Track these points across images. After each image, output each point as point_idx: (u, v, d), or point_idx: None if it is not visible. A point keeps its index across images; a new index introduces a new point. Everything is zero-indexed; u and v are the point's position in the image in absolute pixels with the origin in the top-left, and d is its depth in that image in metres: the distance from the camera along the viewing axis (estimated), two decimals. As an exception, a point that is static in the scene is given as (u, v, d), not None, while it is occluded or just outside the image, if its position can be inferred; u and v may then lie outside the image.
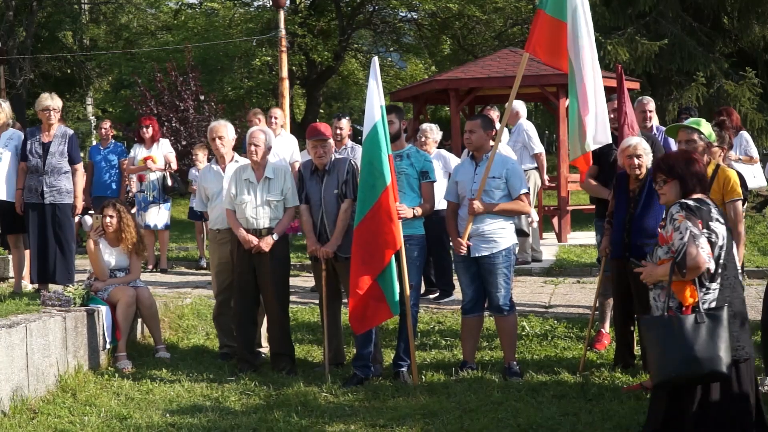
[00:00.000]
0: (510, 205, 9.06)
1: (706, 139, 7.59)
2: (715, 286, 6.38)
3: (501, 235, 9.01)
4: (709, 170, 7.55)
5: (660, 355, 6.36)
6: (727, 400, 6.35)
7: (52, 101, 11.10)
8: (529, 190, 9.37)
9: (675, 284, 6.32)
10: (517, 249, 9.34)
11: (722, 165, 7.78)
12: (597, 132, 9.42)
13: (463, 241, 8.97)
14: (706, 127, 7.66)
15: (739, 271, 6.75)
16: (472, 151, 9.22)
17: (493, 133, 9.33)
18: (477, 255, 9.00)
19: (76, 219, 11.92)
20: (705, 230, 6.31)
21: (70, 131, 11.26)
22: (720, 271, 6.38)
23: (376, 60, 9.20)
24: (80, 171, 11.25)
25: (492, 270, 9.01)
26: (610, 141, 9.43)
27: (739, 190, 7.56)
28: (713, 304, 6.33)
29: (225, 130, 10.22)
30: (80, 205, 11.31)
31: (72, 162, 11.06)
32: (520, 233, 9.54)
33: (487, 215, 8.96)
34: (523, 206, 9.18)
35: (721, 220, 6.43)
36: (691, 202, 6.41)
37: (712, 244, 6.30)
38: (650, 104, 11.41)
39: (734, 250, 6.51)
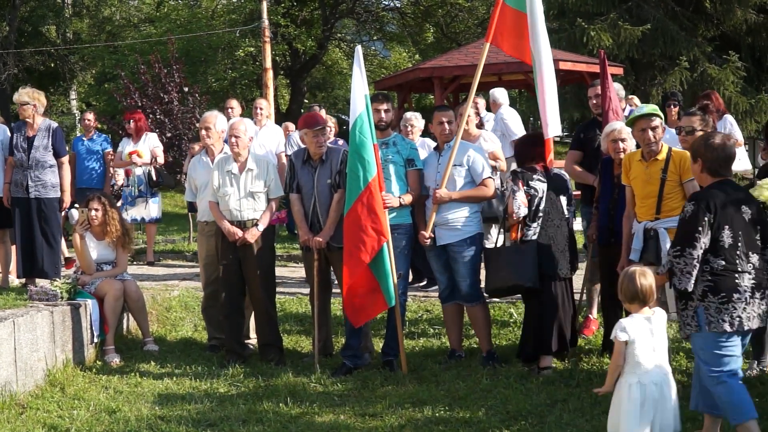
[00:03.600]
0: (473, 192, 9.08)
1: (663, 124, 7.84)
2: (535, 225, 8.72)
3: (465, 223, 9.05)
4: (663, 153, 7.74)
5: (488, 273, 9.02)
6: (548, 309, 8.77)
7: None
8: (492, 174, 9.36)
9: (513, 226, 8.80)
10: (483, 237, 9.35)
11: (674, 148, 7.90)
12: (551, 121, 9.52)
13: (426, 233, 9.00)
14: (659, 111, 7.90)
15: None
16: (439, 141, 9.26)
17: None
18: (442, 243, 9.04)
19: (63, 213, 11.86)
20: (525, 187, 8.68)
21: (55, 124, 11.14)
22: (541, 215, 8.73)
23: (359, 49, 9.20)
24: (66, 164, 11.16)
25: (456, 258, 9.04)
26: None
27: None
28: (534, 237, 8.69)
29: (213, 121, 10.18)
30: (67, 198, 11.23)
31: (57, 155, 10.97)
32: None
33: (452, 203, 8.99)
34: (486, 191, 9.16)
35: (543, 180, 8.79)
36: (519, 169, 8.96)
37: (531, 197, 8.67)
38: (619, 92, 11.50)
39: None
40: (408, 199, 9.15)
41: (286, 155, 13.53)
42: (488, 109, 15.00)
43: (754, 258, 6.47)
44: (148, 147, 14.82)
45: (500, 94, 14.81)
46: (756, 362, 8.32)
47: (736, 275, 6.38)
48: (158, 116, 20.55)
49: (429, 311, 11.37)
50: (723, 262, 6.39)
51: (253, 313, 9.93)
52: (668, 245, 7.37)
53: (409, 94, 20.16)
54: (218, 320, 10.01)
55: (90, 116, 15.75)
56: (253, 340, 10.13)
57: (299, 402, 8.07)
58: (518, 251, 8.70)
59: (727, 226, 6.40)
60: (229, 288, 9.62)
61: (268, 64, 24.95)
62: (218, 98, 27.88)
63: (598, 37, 20.82)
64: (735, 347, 6.44)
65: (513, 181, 8.73)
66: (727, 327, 6.34)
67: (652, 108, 7.87)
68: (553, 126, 9.51)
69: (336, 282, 9.64)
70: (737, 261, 6.40)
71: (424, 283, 12.63)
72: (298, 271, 13.41)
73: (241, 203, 9.45)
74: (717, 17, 23.68)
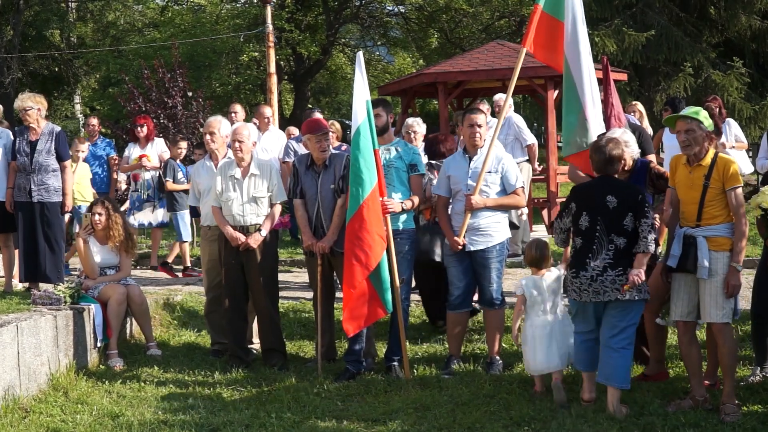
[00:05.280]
0: (507, 200, 9.09)
1: (705, 129, 7.57)
2: None
3: (496, 228, 9.03)
4: (708, 159, 7.50)
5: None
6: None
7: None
8: (524, 184, 9.37)
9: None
10: (509, 242, 9.36)
11: (720, 153, 7.72)
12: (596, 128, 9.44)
13: (459, 239, 8.97)
14: (704, 117, 7.62)
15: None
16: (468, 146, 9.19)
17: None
18: (472, 249, 9.00)
19: (66, 216, 11.84)
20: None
21: (58, 128, 11.15)
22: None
23: (360, 55, 9.19)
24: (69, 168, 11.17)
25: (486, 264, 9.01)
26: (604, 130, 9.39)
27: (740, 177, 7.53)
28: None
29: (218, 126, 10.18)
30: (69, 202, 11.23)
31: (60, 159, 10.99)
32: (511, 226, 9.55)
33: (484, 209, 8.97)
34: (519, 200, 9.21)
35: None
36: (434, 162, 10.08)
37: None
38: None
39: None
40: (409, 204, 9.15)
41: (284, 162, 13.53)
42: (493, 114, 14.99)
43: (620, 240, 7.46)
44: (156, 152, 14.84)
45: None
46: (759, 368, 8.29)
47: (590, 254, 7.51)
48: (162, 121, 20.59)
49: (432, 316, 11.35)
50: (581, 241, 7.62)
51: (256, 317, 9.94)
52: (707, 255, 7.37)
53: (412, 100, 20.15)
54: (221, 325, 10.00)
55: (94, 121, 15.79)
56: (256, 344, 10.14)
57: (302, 407, 8.07)
58: (430, 230, 10.09)
59: (585, 212, 7.58)
60: (232, 293, 9.62)
61: (272, 69, 24.96)
62: (222, 103, 27.94)
63: (603, 43, 20.83)
64: (586, 313, 7.68)
65: (429, 171, 10.00)
66: (574, 296, 7.65)
67: (691, 111, 7.68)
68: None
69: (339, 287, 9.65)
70: (594, 242, 7.51)
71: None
72: (302, 276, 13.42)
73: (244, 208, 9.45)
74: (721, 23, 23.70)
